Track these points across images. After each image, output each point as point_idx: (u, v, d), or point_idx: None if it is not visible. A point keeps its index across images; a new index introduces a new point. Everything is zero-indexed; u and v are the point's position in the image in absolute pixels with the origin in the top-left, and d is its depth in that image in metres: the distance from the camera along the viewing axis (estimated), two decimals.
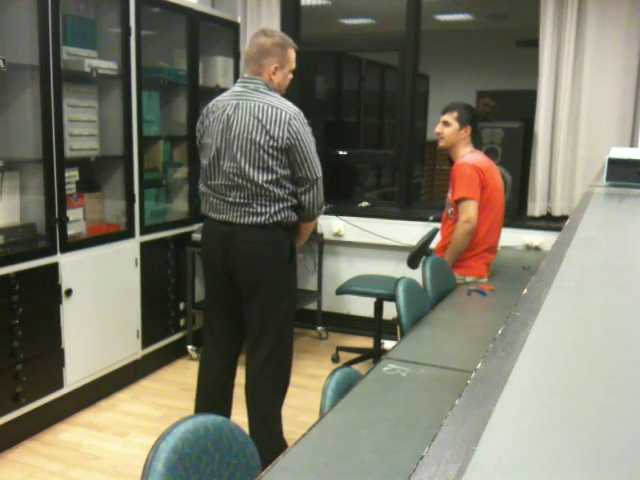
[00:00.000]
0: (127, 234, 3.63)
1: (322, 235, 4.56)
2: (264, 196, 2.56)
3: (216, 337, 2.83)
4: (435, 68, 6.86)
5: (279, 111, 2.52)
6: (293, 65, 2.70)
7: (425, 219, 4.31)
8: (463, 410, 0.62)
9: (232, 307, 2.76)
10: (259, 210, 2.57)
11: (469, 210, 3.06)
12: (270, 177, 2.54)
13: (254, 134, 2.52)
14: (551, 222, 4.10)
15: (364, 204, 4.77)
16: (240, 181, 2.56)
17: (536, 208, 4.17)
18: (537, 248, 4.04)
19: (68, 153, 3.24)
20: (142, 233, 3.71)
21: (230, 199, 2.60)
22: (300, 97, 5.11)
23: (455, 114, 3.16)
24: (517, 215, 4.16)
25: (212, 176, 2.64)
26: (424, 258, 3.48)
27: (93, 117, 3.47)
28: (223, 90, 4.36)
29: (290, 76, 2.72)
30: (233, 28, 4.45)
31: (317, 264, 4.63)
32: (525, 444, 0.57)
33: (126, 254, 3.63)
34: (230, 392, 2.91)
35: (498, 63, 7.37)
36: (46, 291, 3.12)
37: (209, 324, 2.86)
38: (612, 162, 2.20)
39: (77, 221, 3.39)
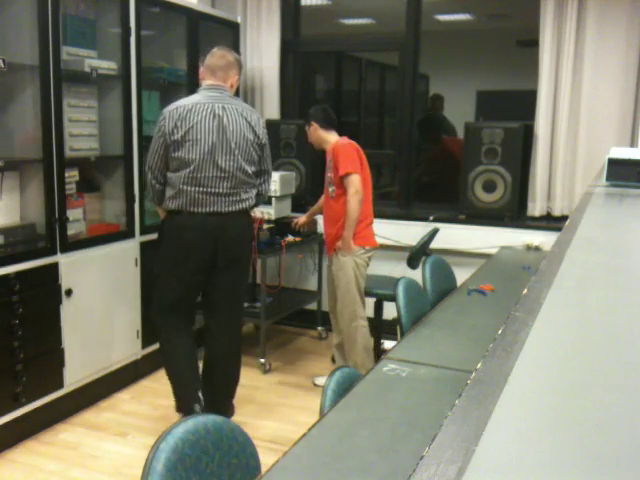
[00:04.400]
0: (127, 234, 3.63)
1: (322, 235, 4.55)
2: (248, 184, 3.01)
3: (183, 318, 3.13)
4: (435, 68, 6.85)
5: (256, 115, 3.04)
6: None
7: (425, 219, 4.31)
8: (463, 410, 0.62)
9: (199, 289, 3.12)
10: (244, 197, 3.00)
11: (355, 183, 3.41)
12: (254, 168, 3.03)
13: (246, 133, 2.96)
14: (551, 222, 4.10)
15: None
16: (235, 172, 2.94)
17: (536, 208, 4.17)
18: (537, 248, 4.04)
19: (68, 153, 3.23)
20: (142, 233, 3.71)
21: (221, 190, 2.92)
22: (300, 97, 5.11)
23: (305, 122, 3.74)
24: (517, 215, 4.16)
25: (203, 169, 2.88)
26: (424, 258, 3.49)
27: (93, 117, 3.47)
28: None
29: None
30: (233, 28, 4.45)
31: (317, 264, 4.63)
32: (525, 444, 0.57)
33: (126, 254, 3.62)
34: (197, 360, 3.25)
35: (498, 63, 7.36)
36: (46, 291, 3.12)
37: (176, 307, 3.08)
38: (612, 162, 2.20)
39: (77, 221, 3.38)
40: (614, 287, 1.08)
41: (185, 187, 2.87)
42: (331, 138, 3.59)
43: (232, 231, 2.99)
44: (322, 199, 3.96)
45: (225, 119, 2.89)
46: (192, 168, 2.87)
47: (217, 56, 3.03)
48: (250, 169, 2.99)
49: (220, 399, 3.24)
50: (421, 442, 1.56)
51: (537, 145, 4.11)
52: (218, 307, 3.13)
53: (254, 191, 3.06)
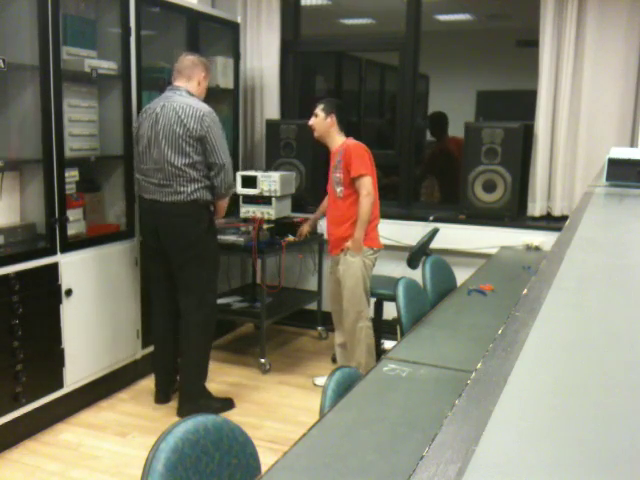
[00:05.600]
0: (127, 234, 3.63)
1: (322, 235, 4.56)
2: (182, 177, 3.18)
3: (161, 294, 3.46)
4: (435, 68, 6.85)
5: (195, 109, 3.18)
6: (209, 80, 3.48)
7: (425, 219, 4.31)
8: (463, 410, 0.62)
9: (168, 269, 3.36)
10: (179, 190, 3.19)
11: (368, 185, 3.43)
12: (186, 161, 3.17)
13: (175, 126, 3.16)
14: (551, 222, 4.09)
15: None
16: (164, 165, 3.18)
17: (536, 208, 4.17)
18: (537, 248, 4.04)
19: (68, 153, 3.23)
20: None
21: (155, 181, 3.22)
22: (300, 97, 5.11)
23: (321, 106, 3.60)
24: (517, 215, 4.16)
25: (144, 161, 3.27)
26: (424, 258, 3.49)
27: (93, 117, 3.47)
28: (223, 90, 4.39)
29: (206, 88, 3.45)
30: (233, 28, 4.45)
31: (317, 264, 4.63)
32: (525, 444, 0.57)
33: (126, 254, 3.62)
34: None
35: (498, 63, 7.36)
36: (46, 291, 3.12)
37: (154, 284, 3.49)
38: (612, 162, 2.20)
39: (77, 221, 3.38)
40: (614, 287, 1.08)
41: (138, 175, 3.35)
42: (339, 138, 3.58)
43: (171, 220, 3.23)
44: (324, 203, 3.93)
45: (160, 116, 3.19)
46: (138, 160, 3.33)
47: (182, 59, 3.35)
48: (180, 161, 3.15)
49: (180, 397, 3.41)
50: (421, 442, 1.56)
51: (537, 145, 4.11)
52: (180, 300, 3.36)
53: (197, 184, 3.19)
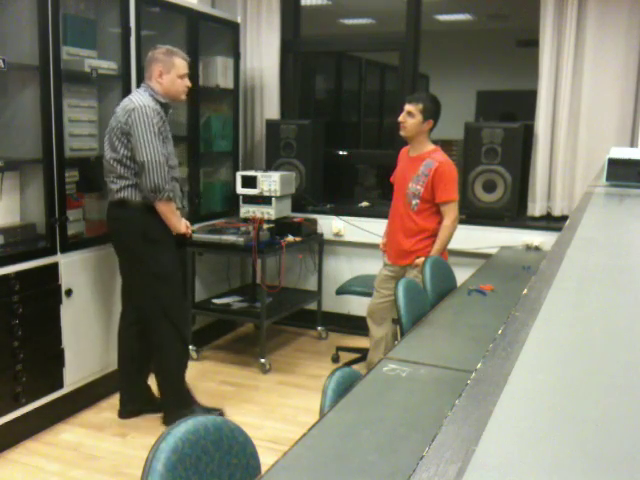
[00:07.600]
0: None
1: (322, 235, 4.56)
2: (112, 173, 3.00)
3: (124, 298, 3.30)
4: (435, 68, 6.85)
5: (129, 102, 2.96)
6: (180, 71, 3.07)
7: None
8: (463, 410, 0.62)
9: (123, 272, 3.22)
10: (112, 187, 3.02)
11: (456, 210, 3.32)
12: (114, 155, 2.97)
13: (112, 120, 3.01)
14: (551, 222, 4.10)
15: (364, 204, 4.77)
16: (103, 160, 3.06)
17: (536, 208, 4.17)
18: (537, 248, 4.04)
19: (68, 153, 3.23)
20: None
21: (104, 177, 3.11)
22: (300, 97, 5.11)
23: (420, 106, 3.26)
24: (517, 215, 4.16)
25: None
26: (424, 258, 3.48)
27: (93, 117, 3.47)
28: (223, 90, 4.39)
29: (180, 81, 3.07)
30: (233, 28, 4.45)
31: (317, 264, 4.63)
32: (525, 444, 0.57)
33: None
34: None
35: (498, 63, 7.36)
36: (46, 291, 3.12)
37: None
38: (612, 162, 2.20)
39: (77, 221, 3.38)
40: (614, 287, 1.08)
41: None
42: (428, 145, 3.34)
43: (108, 220, 3.12)
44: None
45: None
46: None
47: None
48: (110, 155, 2.99)
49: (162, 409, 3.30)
50: (421, 442, 1.56)
51: (537, 145, 4.11)
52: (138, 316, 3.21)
53: (124, 182, 2.97)
